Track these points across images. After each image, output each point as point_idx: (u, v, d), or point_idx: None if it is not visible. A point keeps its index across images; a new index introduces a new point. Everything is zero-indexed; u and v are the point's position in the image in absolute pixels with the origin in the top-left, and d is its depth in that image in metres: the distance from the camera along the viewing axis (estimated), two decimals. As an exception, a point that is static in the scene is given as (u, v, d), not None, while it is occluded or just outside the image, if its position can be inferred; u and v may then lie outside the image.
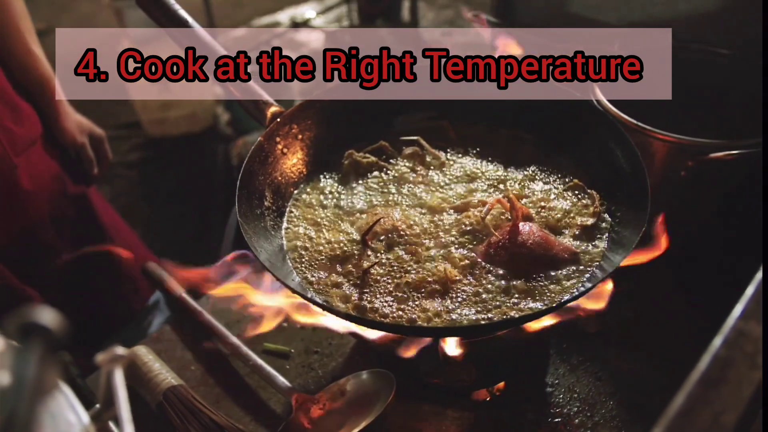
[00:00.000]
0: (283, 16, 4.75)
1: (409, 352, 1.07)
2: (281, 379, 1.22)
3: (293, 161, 1.25)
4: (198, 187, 3.45)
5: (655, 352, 1.26)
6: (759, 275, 0.63)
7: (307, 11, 4.76)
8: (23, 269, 1.57)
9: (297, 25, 4.54)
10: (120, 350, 0.59)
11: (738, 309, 0.60)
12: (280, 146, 1.23)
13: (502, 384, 1.22)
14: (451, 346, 1.05)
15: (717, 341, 0.56)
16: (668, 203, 1.33)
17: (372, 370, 1.15)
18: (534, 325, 1.08)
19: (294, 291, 0.94)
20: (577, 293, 0.95)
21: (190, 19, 1.24)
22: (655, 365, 1.24)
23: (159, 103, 3.73)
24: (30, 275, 1.58)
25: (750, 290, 0.60)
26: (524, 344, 1.25)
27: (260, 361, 1.26)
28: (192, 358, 1.37)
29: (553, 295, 0.99)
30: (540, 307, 0.97)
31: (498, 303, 0.99)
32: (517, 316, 0.95)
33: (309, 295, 1.00)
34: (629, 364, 1.26)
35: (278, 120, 1.22)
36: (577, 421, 1.17)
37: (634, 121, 1.30)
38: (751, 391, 0.52)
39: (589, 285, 0.96)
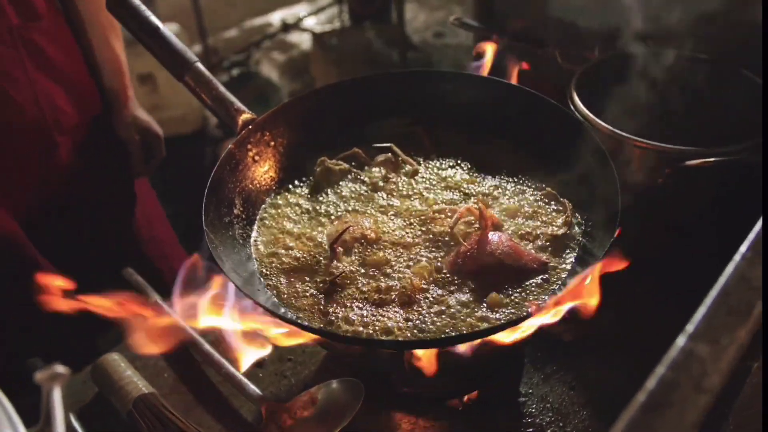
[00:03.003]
0: (275, 17, 4.73)
1: (378, 362, 1.06)
2: (252, 388, 1.21)
3: (265, 168, 1.24)
4: (186, 189, 3.43)
5: (629, 361, 1.24)
6: (713, 292, 0.62)
7: (299, 12, 4.74)
8: (43, 241, 1.63)
9: (288, 26, 4.52)
10: (60, 369, 0.58)
11: (689, 328, 0.59)
12: (251, 153, 1.22)
13: (475, 393, 1.20)
14: (419, 357, 1.04)
15: (664, 362, 0.55)
16: (646, 211, 1.32)
17: (342, 379, 1.14)
18: (505, 335, 1.07)
19: (257, 302, 0.93)
20: (540, 306, 0.93)
21: (161, 25, 1.22)
22: (629, 375, 1.21)
23: (147, 105, 3.70)
24: (48, 249, 1.65)
25: (701, 311, 0.59)
26: (498, 353, 1.23)
27: (232, 369, 1.25)
28: (165, 365, 1.36)
29: (521, 306, 0.98)
30: (506, 319, 0.96)
31: (464, 315, 0.97)
32: (483, 328, 0.94)
33: (273, 307, 0.99)
34: (603, 374, 1.24)
35: (249, 127, 1.21)
36: (549, 431, 1.16)
37: (611, 128, 1.29)
38: (696, 415, 0.51)
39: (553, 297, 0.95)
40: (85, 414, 1.27)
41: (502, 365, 1.27)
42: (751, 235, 0.68)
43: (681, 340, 0.57)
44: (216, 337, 1.34)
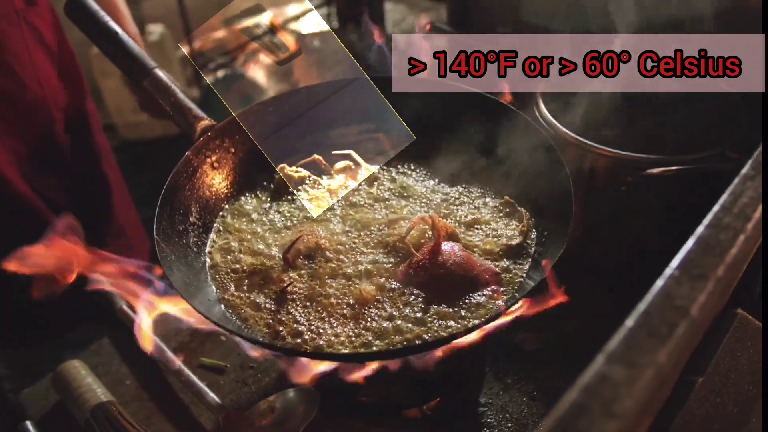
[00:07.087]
0: (265, 17, 4.70)
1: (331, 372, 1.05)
2: (211, 396, 1.20)
3: (223, 175, 1.23)
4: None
5: (591, 371, 1.24)
6: (641, 306, 0.61)
7: (288, 13, 4.72)
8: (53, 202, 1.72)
9: (275, 28, 4.49)
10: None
11: (611, 345, 0.58)
12: (210, 160, 1.21)
13: (434, 402, 1.19)
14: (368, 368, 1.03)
15: (576, 386, 0.54)
16: (609, 218, 1.31)
17: (299, 388, 1.13)
18: (462, 343, 1.06)
19: (204, 315, 0.92)
20: (487, 318, 0.92)
21: (119, 30, 1.22)
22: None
23: (134, 106, 3.69)
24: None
25: (619, 336, 0.57)
26: (459, 361, 1.23)
27: (192, 377, 1.24)
28: (128, 372, 1.35)
29: (469, 317, 0.97)
30: (455, 330, 0.95)
31: (413, 326, 0.96)
32: (429, 340, 0.93)
33: (221, 319, 0.98)
34: (565, 384, 1.22)
35: (209, 134, 1.20)
36: (507, 442, 1.15)
37: (575, 136, 1.28)
38: (604, 442, 0.50)
39: (501, 309, 0.93)
40: (45, 422, 1.26)
41: (463, 374, 1.25)
42: (682, 252, 0.67)
43: (599, 361, 0.56)
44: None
